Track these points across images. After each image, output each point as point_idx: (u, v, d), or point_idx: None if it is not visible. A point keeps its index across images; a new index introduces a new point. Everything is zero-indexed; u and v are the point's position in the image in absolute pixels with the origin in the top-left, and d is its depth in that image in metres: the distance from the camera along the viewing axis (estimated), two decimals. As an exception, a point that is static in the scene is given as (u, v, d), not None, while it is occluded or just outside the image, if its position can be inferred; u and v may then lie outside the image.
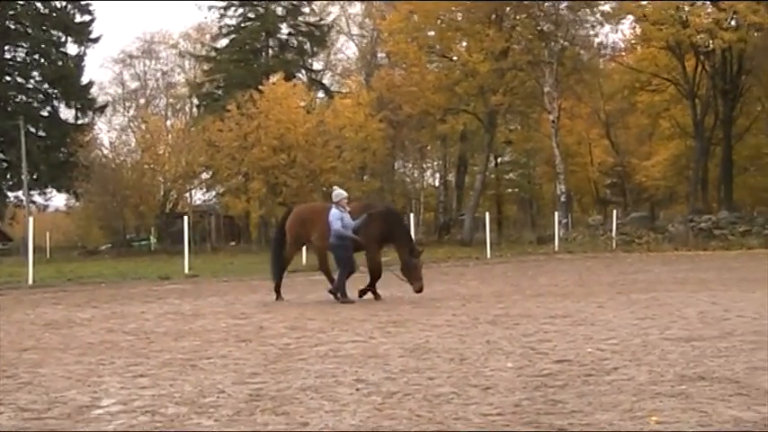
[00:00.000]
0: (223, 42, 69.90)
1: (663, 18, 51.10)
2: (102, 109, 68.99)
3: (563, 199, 53.18)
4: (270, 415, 7.76)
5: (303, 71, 69.42)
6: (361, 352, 11.42)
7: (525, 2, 53.24)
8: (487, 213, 46.95)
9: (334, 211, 18.66)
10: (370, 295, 19.18)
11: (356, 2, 74.11)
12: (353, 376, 9.56)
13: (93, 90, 67.87)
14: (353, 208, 19.29)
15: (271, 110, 52.72)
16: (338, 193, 19.07)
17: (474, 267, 33.09)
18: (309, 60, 71.99)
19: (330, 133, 54.80)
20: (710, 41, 49.66)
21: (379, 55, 70.45)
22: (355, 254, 19.13)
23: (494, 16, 54.05)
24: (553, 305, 17.02)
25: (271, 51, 68.36)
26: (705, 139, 55.91)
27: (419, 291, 18.64)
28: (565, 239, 47.83)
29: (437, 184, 74.74)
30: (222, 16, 68.33)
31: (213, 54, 70.37)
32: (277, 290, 19.94)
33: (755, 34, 49.44)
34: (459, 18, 56.88)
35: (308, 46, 69.88)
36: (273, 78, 55.43)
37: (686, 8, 51.11)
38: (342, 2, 74.29)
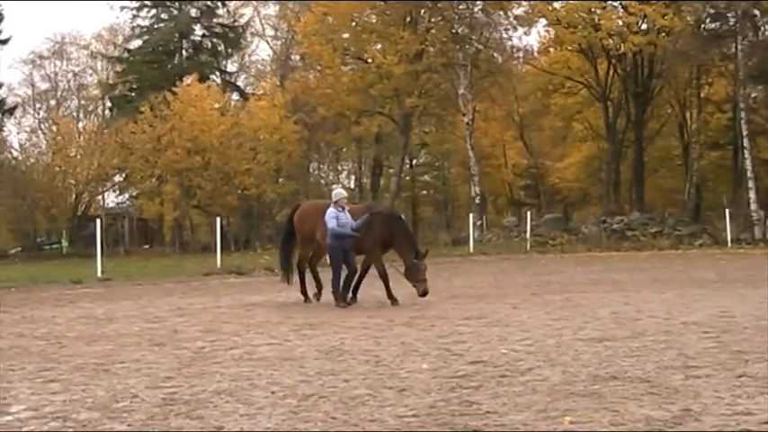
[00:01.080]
0: (136, 43, 69.00)
1: (575, 21, 51.75)
2: (11, 111, 67.63)
3: (477, 201, 53.48)
4: (184, 419, 7.70)
5: (217, 73, 68.85)
6: (277, 355, 11.38)
7: (439, 4, 53.38)
8: (402, 215, 46.97)
9: (329, 211, 18.08)
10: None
11: (270, 2, 73.82)
12: (268, 379, 9.53)
13: (2, 91, 66.39)
14: (354, 210, 18.74)
15: (184, 112, 52.27)
16: (338, 192, 18.61)
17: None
18: (224, 62, 71.45)
19: (245, 135, 54.48)
20: (621, 45, 50.39)
21: (294, 57, 70.25)
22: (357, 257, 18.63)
23: (408, 19, 54.21)
24: (468, 306, 17.12)
25: (184, 53, 67.70)
26: (617, 142, 56.71)
27: (424, 294, 18.06)
28: (479, 241, 48.09)
29: (352, 186, 74.70)
30: (135, 17, 67.42)
31: (126, 55, 69.45)
32: (302, 292, 19.57)
33: (665, 38, 50.26)
34: (374, 20, 56.98)
35: (222, 47, 69.35)
36: (187, 80, 54.99)
37: (598, 12, 51.78)
38: (256, 2, 73.94)
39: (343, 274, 18.34)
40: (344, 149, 70.40)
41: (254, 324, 15.07)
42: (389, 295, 18.36)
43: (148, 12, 66.91)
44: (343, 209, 18.22)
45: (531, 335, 12.77)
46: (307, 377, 9.61)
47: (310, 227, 19.18)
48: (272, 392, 8.77)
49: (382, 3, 55.09)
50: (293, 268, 20.00)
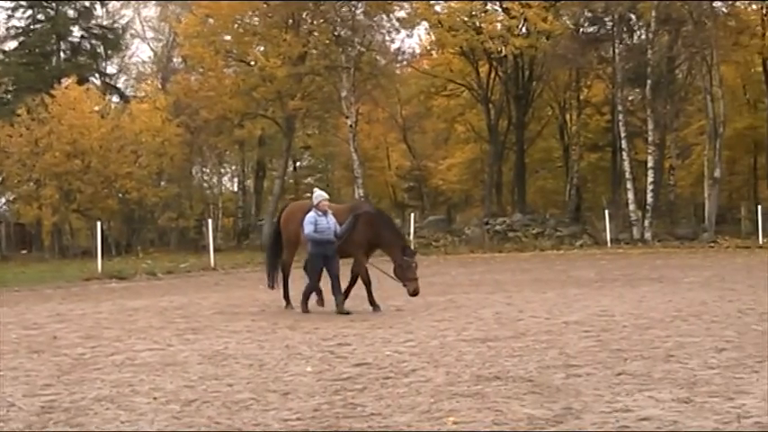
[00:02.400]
0: (11, 45, 67.73)
1: (457, 24, 52.16)
2: None
3: (361, 203, 53.55)
4: (63, 427, 7.56)
5: (97, 75, 67.87)
6: (159, 360, 11.25)
7: (321, 6, 53.29)
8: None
9: (308, 215, 17.04)
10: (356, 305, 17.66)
11: (150, 3, 73.03)
12: (151, 385, 9.41)
13: None
14: (338, 210, 17.79)
15: (63, 115, 51.30)
16: (318, 194, 17.53)
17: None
18: (103, 64, 70.43)
19: (126, 138, 53.70)
20: (503, 48, 50.91)
21: (176, 59, 69.58)
22: (343, 260, 17.53)
23: (290, 21, 54.04)
24: (352, 309, 17.10)
25: (62, 54, 66.56)
26: (499, 143, 57.35)
27: (414, 293, 17.11)
28: (363, 243, 48.07)
29: (236, 189, 74.31)
30: (9, 18, 66.04)
31: (0, 57, 68.10)
32: (285, 297, 18.56)
33: (545, 41, 51.02)
34: (256, 22, 56.69)
35: (101, 49, 68.35)
36: (65, 82, 54.02)
37: (480, 15, 52.31)
38: (137, 3, 73.06)
39: (328, 281, 17.46)
40: (227, 152, 69.88)
41: (135, 329, 14.87)
42: (371, 302, 17.52)
43: (24, 12, 65.59)
44: (325, 213, 17.15)
45: (415, 336, 12.84)
46: (190, 382, 9.51)
47: (295, 229, 18.12)
48: (155, 398, 8.66)
49: (264, 5, 54.83)
50: (279, 271, 19.01)
